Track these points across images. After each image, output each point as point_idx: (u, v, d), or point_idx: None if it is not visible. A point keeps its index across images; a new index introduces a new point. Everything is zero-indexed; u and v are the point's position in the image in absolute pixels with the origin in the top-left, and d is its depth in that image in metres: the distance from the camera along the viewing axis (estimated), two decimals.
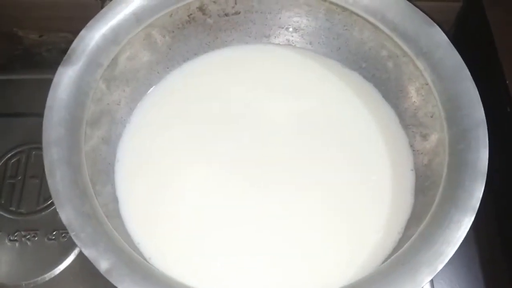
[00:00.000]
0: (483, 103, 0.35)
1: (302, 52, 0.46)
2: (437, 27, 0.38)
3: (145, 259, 0.36)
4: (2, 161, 0.46)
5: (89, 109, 0.36)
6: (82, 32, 0.36)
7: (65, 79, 0.35)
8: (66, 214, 0.30)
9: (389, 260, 0.32)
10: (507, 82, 0.41)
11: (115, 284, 0.29)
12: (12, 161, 0.46)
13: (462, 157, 0.34)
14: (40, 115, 0.48)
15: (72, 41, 0.57)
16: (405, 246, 0.32)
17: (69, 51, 0.36)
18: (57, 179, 0.31)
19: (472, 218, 0.32)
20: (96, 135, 0.38)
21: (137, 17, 0.38)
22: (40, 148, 0.46)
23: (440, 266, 0.30)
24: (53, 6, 0.53)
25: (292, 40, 0.46)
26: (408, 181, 0.40)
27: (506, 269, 0.41)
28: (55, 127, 0.33)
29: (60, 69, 0.35)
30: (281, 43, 0.46)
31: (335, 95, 0.44)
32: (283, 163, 0.41)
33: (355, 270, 0.37)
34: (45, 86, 0.50)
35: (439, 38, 0.38)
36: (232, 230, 0.38)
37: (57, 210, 0.31)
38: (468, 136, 0.35)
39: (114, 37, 0.37)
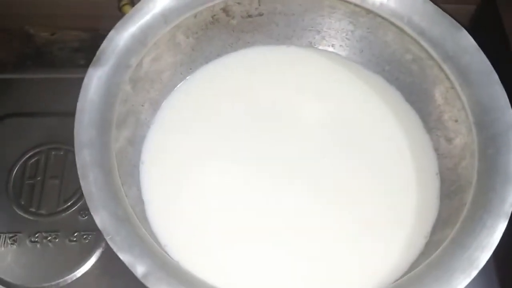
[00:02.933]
0: None
1: (324, 54, 0.45)
2: (465, 31, 0.38)
3: None
4: (21, 162, 0.46)
5: (117, 110, 0.35)
6: (111, 33, 0.36)
7: (95, 80, 0.34)
8: (101, 218, 0.30)
9: (423, 265, 0.32)
10: None
11: None
12: (31, 161, 0.46)
13: (492, 162, 0.34)
14: (56, 114, 0.48)
15: (84, 39, 0.57)
16: (438, 251, 0.32)
17: (98, 52, 0.35)
18: (90, 181, 0.31)
19: (505, 224, 0.32)
20: (122, 137, 0.38)
21: (165, 18, 0.38)
22: (59, 148, 0.46)
23: (475, 272, 0.30)
24: (65, 4, 0.53)
25: (314, 42, 0.46)
26: (433, 185, 0.40)
27: None
28: (86, 130, 0.32)
29: (90, 70, 0.34)
30: (303, 45, 0.46)
31: (358, 98, 0.44)
32: (306, 166, 0.41)
33: (382, 275, 0.37)
34: (60, 85, 0.50)
35: (466, 43, 0.38)
36: (258, 232, 0.38)
37: (91, 213, 0.30)
38: (498, 140, 0.35)
39: (142, 38, 0.37)
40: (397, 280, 0.35)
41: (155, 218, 0.38)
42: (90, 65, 0.35)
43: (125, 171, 0.37)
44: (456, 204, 0.37)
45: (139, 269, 0.29)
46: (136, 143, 0.39)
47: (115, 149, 0.35)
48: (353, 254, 0.38)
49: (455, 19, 0.39)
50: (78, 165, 0.31)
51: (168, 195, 0.39)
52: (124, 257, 0.29)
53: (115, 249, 0.29)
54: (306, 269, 0.37)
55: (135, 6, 0.37)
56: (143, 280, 0.29)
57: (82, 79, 0.44)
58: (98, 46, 0.47)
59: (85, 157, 0.32)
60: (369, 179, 0.41)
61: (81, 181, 0.31)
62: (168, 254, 0.36)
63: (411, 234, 0.38)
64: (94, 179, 0.31)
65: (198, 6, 0.39)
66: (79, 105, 0.33)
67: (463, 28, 0.38)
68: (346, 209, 0.39)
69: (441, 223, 0.37)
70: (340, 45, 0.45)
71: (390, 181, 0.41)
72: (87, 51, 0.55)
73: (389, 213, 0.39)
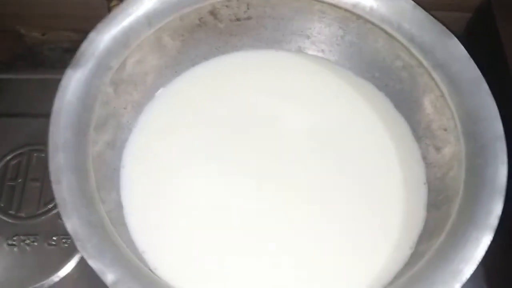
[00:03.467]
0: None
1: (313, 60, 0.45)
2: (455, 39, 0.37)
3: (150, 269, 0.35)
4: (2, 163, 0.45)
5: (96, 113, 0.35)
6: (92, 34, 0.35)
7: (73, 82, 0.33)
8: (72, 224, 0.29)
9: (405, 277, 0.31)
10: None
11: None
12: (13, 163, 0.45)
13: (479, 173, 0.33)
14: (42, 116, 0.46)
15: (75, 40, 0.56)
16: (420, 262, 0.31)
17: (77, 54, 0.34)
18: (63, 186, 0.30)
19: (491, 237, 0.31)
20: (101, 140, 0.37)
21: (149, 20, 0.37)
22: (41, 150, 0.46)
23: (458, 286, 0.29)
24: (56, 4, 0.52)
25: (304, 47, 0.45)
26: (420, 194, 0.39)
27: None
28: (62, 132, 0.32)
29: (68, 72, 0.34)
30: (292, 50, 0.45)
31: (346, 104, 0.43)
32: (291, 173, 0.40)
33: (366, 285, 0.36)
34: (47, 86, 0.48)
35: (457, 51, 0.37)
36: (240, 241, 0.37)
37: (63, 219, 0.30)
38: (486, 151, 0.34)
39: (124, 40, 0.36)
40: None
41: (134, 223, 0.37)
42: (68, 67, 0.34)
43: (104, 175, 0.36)
44: (442, 215, 0.36)
45: (109, 277, 0.28)
46: (116, 146, 0.39)
47: (93, 153, 0.34)
48: (337, 262, 0.37)
49: (450, 26, 0.39)
50: (50, 169, 0.31)
51: (148, 200, 0.38)
52: (94, 264, 0.29)
53: (85, 256, 0.29)
54: (288, 278, 0.36)
55: (118, 6, 0.36)
56: None
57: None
58: None
59: (59, 161, 0.31)
60: (356, 187, 0.40)
61: (53, 186, 0.30)
62: (145, 261, 0.35)
63: (396, 244, 0.37)
64: (68, 185, 0.30)
65: (184, 8, 0.39)
66: (55, 107, 0.32)
67: (453, 36, 0.37)
68: (330, 216, 0.38)
69: (427, 234, 0.36)
70: (330, 51, 0.44)
71: (377, 189, 0.40)
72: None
73: (375, 222, 0.38)
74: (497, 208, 0.31)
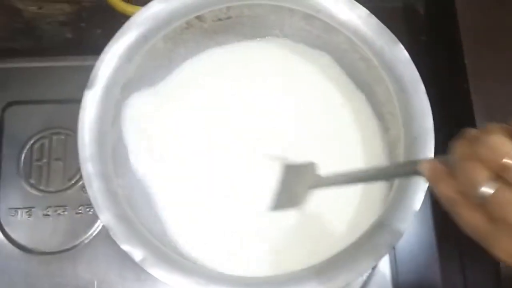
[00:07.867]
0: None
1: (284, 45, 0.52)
2: (401, 44, 0.45)
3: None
4: (28, 146, 0.54)
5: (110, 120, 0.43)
6: (101, 56, 0.43)
7: (90, 102, 0.41)
8: (106, 218, 0.39)
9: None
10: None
11: (147, 270, 0.39)
12: (37, 145, 0.54)
13: (413, 156, 0.43)
14: (53, 102, 0.55)
15: (69, 12, 0.62)
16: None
17: (91, 76, 0.42)
18: (95, 189, 0.40)
19: (426, 188, 0.41)
20: (113, 137, 0.45)
21: (146, 37, 0.44)
22: (59, 133, 0.54)
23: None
24: None
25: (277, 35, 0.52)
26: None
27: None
28: (88, 145, 0.40)
29: (85, 93, 0.41)
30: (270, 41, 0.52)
31: (319, 83, 0.52)
32: (268, 138, 0.50)
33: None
34: (53, 74, 0.56)
35: (401, 55, 0.45)
36: (232, 200, 0.47)
37: (98, 215, 0.39)
38: (418, 141, 0.43)
39: (129, 56, 0.44)
40: None
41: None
42: (86, 87, 0.42)
43: (119, 165, 0.45)
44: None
45: (136, 256, 0.39)
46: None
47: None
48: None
49: None
50: (83, 176, 0.40)
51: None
52: (124, 247, 0.39)
53: (117, 242, 0.39)
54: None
55: (120, 30, 0.43)
56: (141, 264, 0.39)
57: (72, 67, 0.51)
58: (83, 19, 0.57)
59: (88, 169, 0.40)
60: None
61: (87, 189, 0.40)
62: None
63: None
64: (98, 188, 0.40)
65: (175, 21, 0.46)
66: (79, 124, 0.41)
67: (399, 42, 0.45)
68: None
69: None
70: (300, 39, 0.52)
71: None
72: (72, 24, 0.61)
73: None
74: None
